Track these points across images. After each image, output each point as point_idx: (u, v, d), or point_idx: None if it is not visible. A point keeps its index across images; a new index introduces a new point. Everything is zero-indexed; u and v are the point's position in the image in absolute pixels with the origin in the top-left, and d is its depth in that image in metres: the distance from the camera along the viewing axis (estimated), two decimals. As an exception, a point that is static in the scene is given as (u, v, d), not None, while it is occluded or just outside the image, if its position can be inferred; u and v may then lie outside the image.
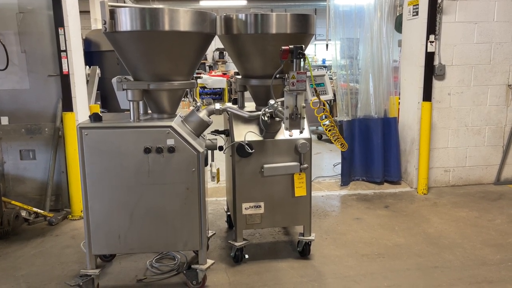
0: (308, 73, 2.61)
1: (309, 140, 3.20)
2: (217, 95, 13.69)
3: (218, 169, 3.35)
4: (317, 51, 16.70)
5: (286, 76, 2.99)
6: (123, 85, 2.79)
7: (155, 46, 2.73)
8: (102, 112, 7.19)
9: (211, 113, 3.03)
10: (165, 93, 2.92)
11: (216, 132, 3.34)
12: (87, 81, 5.93)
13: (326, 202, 4.72)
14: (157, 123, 2.79)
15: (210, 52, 16.90)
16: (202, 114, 2.98)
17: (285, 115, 2.61)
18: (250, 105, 3.57)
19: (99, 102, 7.58)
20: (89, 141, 2.72)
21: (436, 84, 4.90)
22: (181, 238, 2.89)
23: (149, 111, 3.11)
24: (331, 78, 5.41)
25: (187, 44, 2.82)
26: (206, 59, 16.71)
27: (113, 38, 2.75)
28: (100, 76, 6.39)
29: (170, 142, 2.76)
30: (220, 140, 3.32)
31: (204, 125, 2.98)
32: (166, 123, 2.78)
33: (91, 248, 2.84)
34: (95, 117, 2.77)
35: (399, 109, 5.34)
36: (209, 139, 3.26)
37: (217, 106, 3.03)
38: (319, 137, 8.19)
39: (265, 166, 3.14)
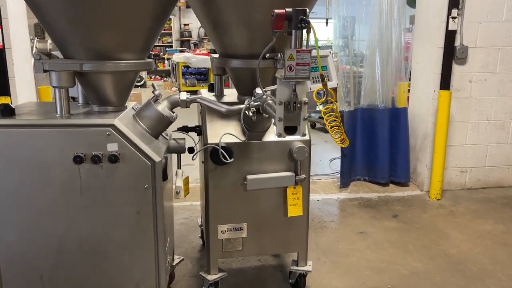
0: (314, 52, 1.79)
1: (308, 142, 2.40)
2: (202, 75, 12.73)
3: (187, 178, 2.54)
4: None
5: (280, 55, 2.15)
6: (44, 65, 1.93)
7: (90, 7, 1.87)
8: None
9: (174, 105, 2.20)
10: (108, 77, 2.06)
11: (184, 129, 2.51)
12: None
13: (323, 208, 3.95)
14: (93, 120, 1.95)
15: (196, 29, 15.82)
16: (162, 107, 2.15)
17: (277, 115, 1.78)
18: (231, 93, 2.75)
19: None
20: (-6, 145, 1.88)
21: (456, 69, 4.11)
22: (131, 278, 2.09)
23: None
24: (331, 60, 4.57)
25: (139, 6, 1.97)
26: (190, 36, 15.63)
27: (26, -6, 1.89)
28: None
29: (112, 147, 1.92)
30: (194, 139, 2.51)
31: (165, 121, 2.15)
32: (106, 120, 1.94)
33: (2, 294, 2.03)
34: (3, 110, 1.92)
35: (409, 97, 4.55)
36: (174, 139, 2.45)
37: (183, 95, 2.20)
38: (313, 126, 7.39)
39: (249, 177, 2.34)
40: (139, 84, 13.52)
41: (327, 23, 5.54)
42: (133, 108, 2.26)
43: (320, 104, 2.21)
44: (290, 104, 1.73)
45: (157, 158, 1.98)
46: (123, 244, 2.03)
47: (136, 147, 1.95)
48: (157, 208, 2.03)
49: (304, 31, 1.77)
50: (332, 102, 2.49)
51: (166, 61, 13.70)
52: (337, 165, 4.65)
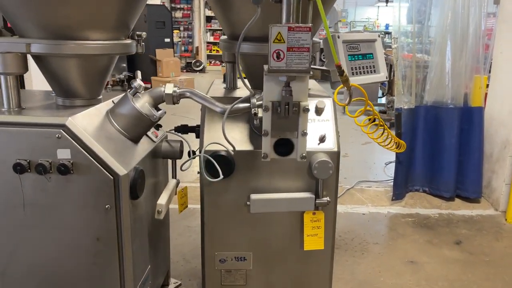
0: (364, 35, 1.19)
1: (337, 155, 1.80)
2: (260, 61, 12.21)
3: (185, 190, 2.07)
4: (380, 15, 14.58)
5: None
6: (-16, 44, 1.52)
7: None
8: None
9: (157, 100, 1.70)
10: (70, 62, 1.61)
11: (182, 129, 2.02)
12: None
13: (367, 225, 3.30)
14: (41, 119, 1.51)
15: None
16: (141, 102, 1.66)
17: (263, 125, 1.22)
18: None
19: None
20: None
21: (552, 61, 3.24)
22: (92, 318, 1.66)
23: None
24: (389, 47, 3.81)
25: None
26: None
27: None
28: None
29: (63, 154, 1.48)
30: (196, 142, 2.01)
31: (144, 121, 1.67)
32: (57, 118, 1.49)
33: None
34: None
35: (487, 95, 3.72)
36: (167, 141, 1.98)
37: (169, 88, 1.69)
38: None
39: (253, 197, 1.79)
40: (198, 69, 13.31)
41: (387, 2, 4.77)
42: (113, 102, 1.80)
43: (347, 109, 1.62)
44: (281, 105, 1.15)
45: (121, 171, 1.51)
46: (79, 277, 1.60)
47: (94, 155, 1.48)
48: (122, 235, 1.56)
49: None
50: (373, 113, 1.88)
51: (225, 46, 13.32)
52: (392, 169, 3.94)
